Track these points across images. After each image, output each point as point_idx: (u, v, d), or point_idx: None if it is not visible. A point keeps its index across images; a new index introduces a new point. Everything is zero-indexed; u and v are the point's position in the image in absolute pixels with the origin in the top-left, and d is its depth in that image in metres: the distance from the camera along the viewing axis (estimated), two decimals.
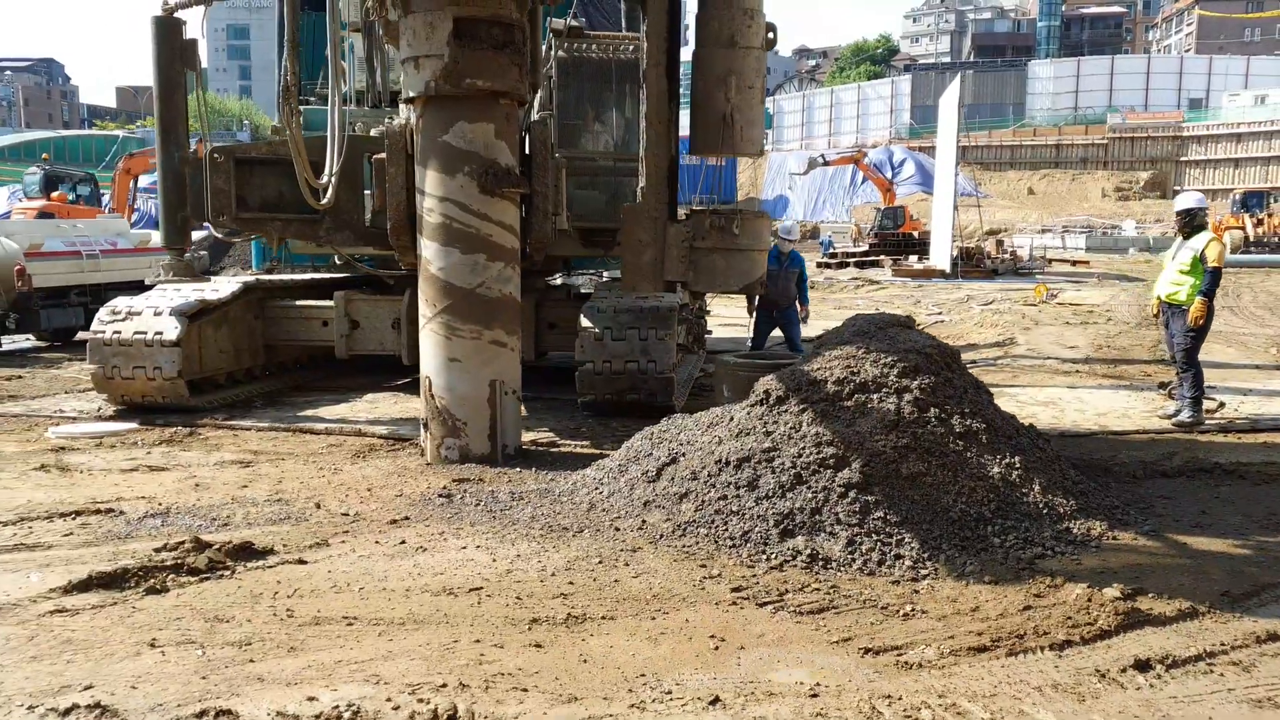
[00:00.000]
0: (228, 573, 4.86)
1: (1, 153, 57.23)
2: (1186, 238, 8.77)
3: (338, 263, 13.09)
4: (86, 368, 9.23)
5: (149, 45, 9.08)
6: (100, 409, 9.48)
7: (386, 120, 8.93)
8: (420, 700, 3.58)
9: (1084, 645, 4.19)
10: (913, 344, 6.15)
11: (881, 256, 38.46)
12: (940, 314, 21.38)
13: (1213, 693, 3.78)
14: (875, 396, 5.78)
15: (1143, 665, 3.96)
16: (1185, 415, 8.66)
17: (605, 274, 17.16)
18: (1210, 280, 8.51)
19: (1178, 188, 68.24)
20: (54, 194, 25.49)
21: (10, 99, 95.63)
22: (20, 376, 12.30)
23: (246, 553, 5.09)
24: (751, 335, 11.80)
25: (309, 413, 9.44)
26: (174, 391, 9.11)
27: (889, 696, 3.68)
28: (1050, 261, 39.78)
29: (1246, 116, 67.02)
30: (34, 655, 3.92)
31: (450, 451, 7.30)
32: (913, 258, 38.01)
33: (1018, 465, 5.74)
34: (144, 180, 37.77)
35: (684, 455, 6.08)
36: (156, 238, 20.19)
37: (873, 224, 41.03)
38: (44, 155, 34.20)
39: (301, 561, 5.04)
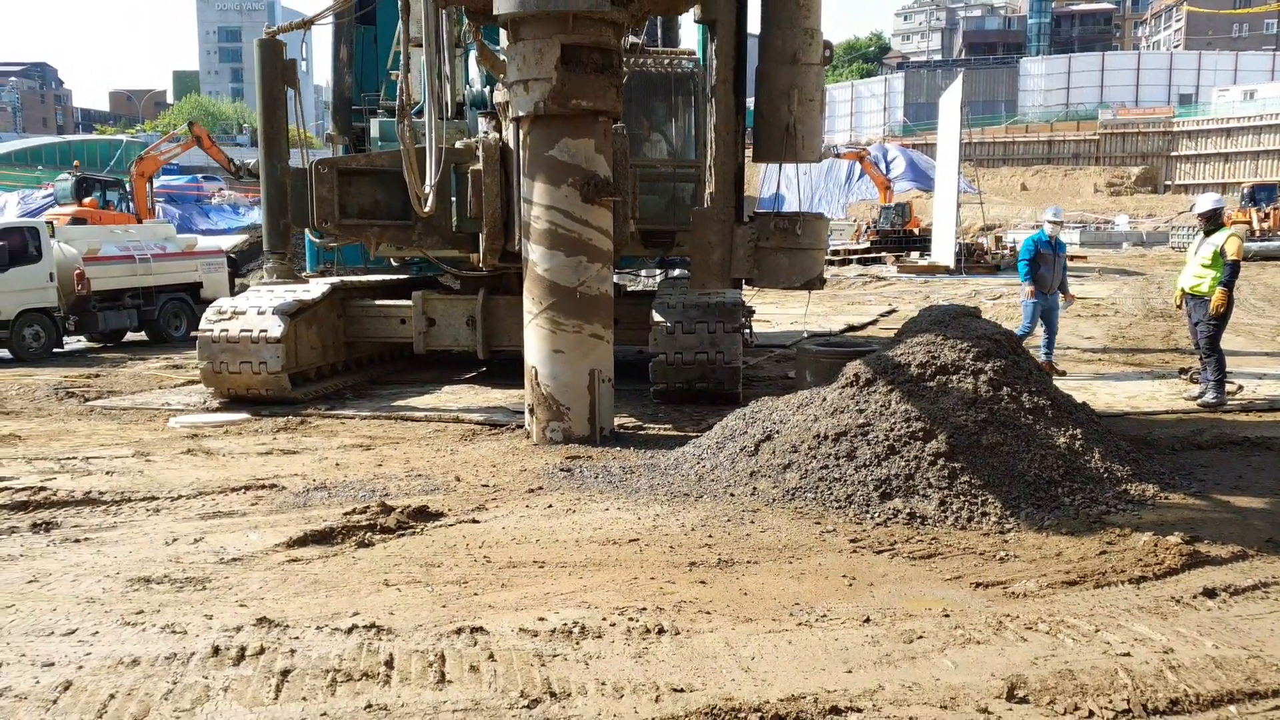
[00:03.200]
0: (416, 530, 5.65)
1: (7, 158, 57.61)
2: (1208, 235, 9.63)
3: (393, 264, 13.88)
4: (195, 364, 9.99)
5: (254, 66, 9.83)
6: (206, 401, 10.25)
7: (482, 134, 9.71)
8: (629, 619, 4.38)
9: (1156, 580, 5.01)
10: (983, 331, 6.98)
11: (884, 253, 39.33)
12: None
13: (1270, 612, 4.60)
14: (954, 377, 6.61)
15: (1210, 593, 4.78)
16: (1210, 397, 9.52)
17: (642, 273, 17.99)
18: (1230, 272, 9.36)
19: (1168, 182, 69.42)
20: (85, 200, 26.16)
21: (15, 104, 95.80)
22: (98, 375, 13.03)
23: (424, 515, 5.88)
24: (1026, 320, 11.84)
25: (400, 403, 10.22)
26: (277, 385, 9.88)
27: (1008, 615, 4.50)
28: None
29: (1236, 111, 68.12)
30: (296, 592, 4.71)
31: (554, 433, 8.09)
32: (914, 254, 38.89)
33: (1079, 436, 6.57)
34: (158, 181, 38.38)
35: (778, 432, 6.89)
36: (202, 242, 20.99)
37: (875, 220, 41.90)
38: (75, 163, 34.74)
39: (474, 521, 5.85)
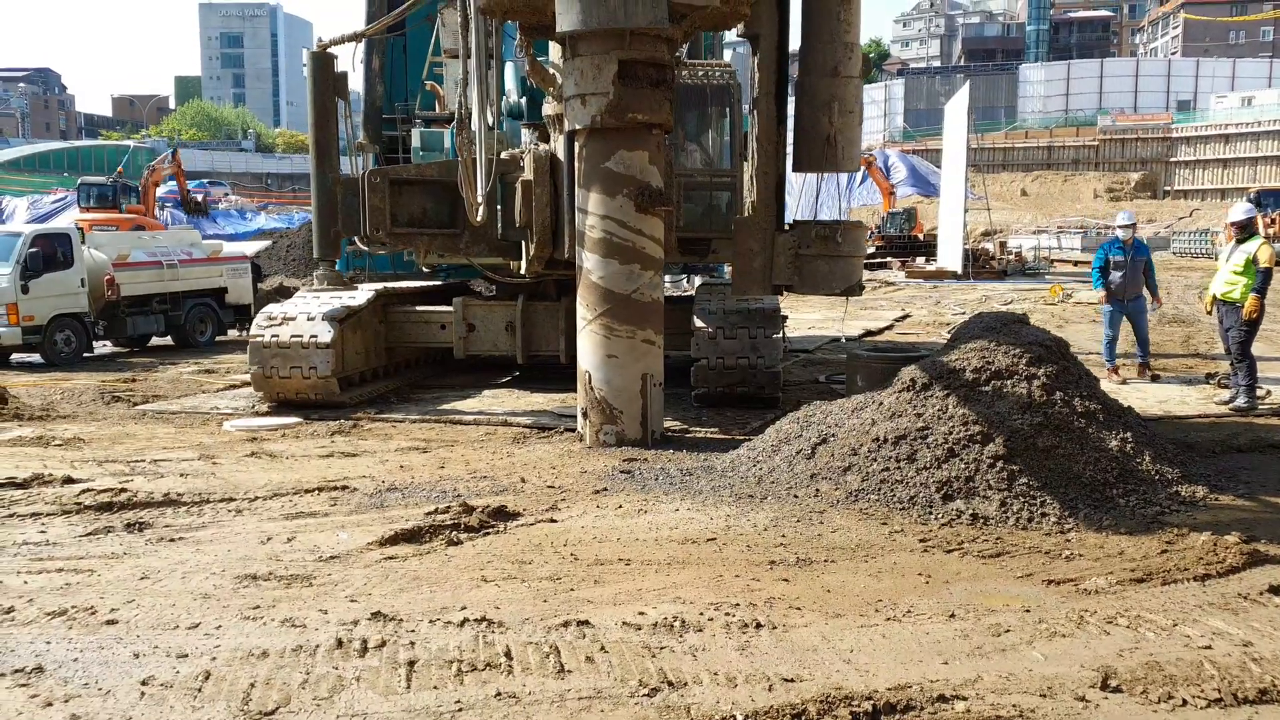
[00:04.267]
0: (499, 529, 5.85)
1: (16, 163, 57.80)
2: (1240, 243, 9.86)
3: (424, 271, 14.07)
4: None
5: (306, 78, 10.03)
6: (255, 406, 10.44)
7: (529, 145, 9.91)
8: (725, 614, 4.58)
9: (1219, 578, 5.21)
10: (1034, 338, 7.20)
11: (889, 259, 39.58)
12: (965, 314, 22.45)
13: None
14: (1009, 382, 6.82)
15: (1276, 590, 4.98)
16: (1241, 401, 9.74)
17: (667, 279, 18.17)
18: (1262, 279, 9.60)
19: (1168, 188, 69.82)
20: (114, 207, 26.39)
21: (24, 110, 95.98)
22: (134, 380, 13.21)
23: (503, 514, 6.08)
24: (1106, 327, 12.10)
25: (446, 407, 10.42)
26: (326, 389, 10.08)
27: (1086, 610, 4.70)
28: (1053, 262, 41.05)
29: (1234, 118, 68.56)
30: (400, 588, 4.90)
31: (608, 436, 8.29)
32: (920, 259, 39.15)
33: (1130, 440, 6.78)
34: (159, 190, 38.65)
35: (834, 435, 7.10)
36: (228, 248, 21.19)
37: (880, 226, 42.17)
38: (118, 169, 35.01)
39: (552, 520, 6.04)
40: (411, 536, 5.66)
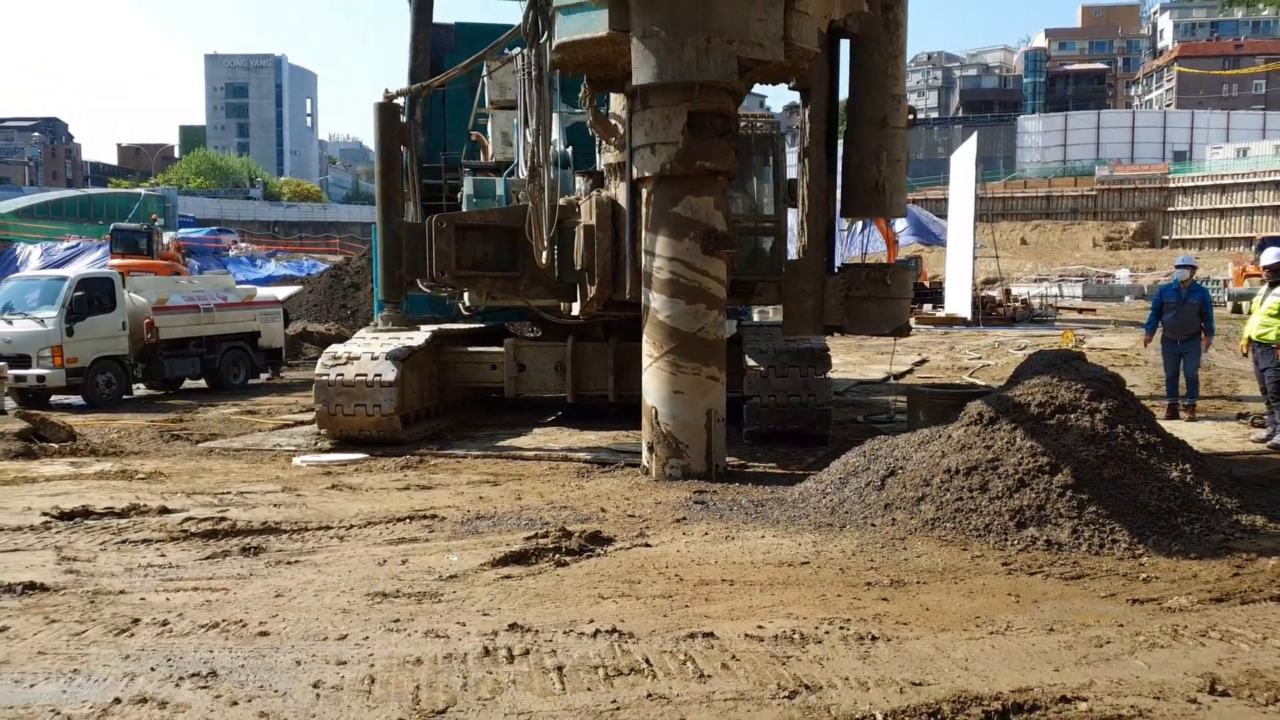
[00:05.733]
0: (599, 553, 6.14)
1: (29, 211, 58.38)
2: (1273, 286, 10.26)
3: (464, 312, 14.42)
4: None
5: (372, 128, 10.46)
6: (317, 443, 10.73)
7: (586, 192, 10.32)
8: (840, 628, 4.86)
9: None
10: (1093, 374, 7.54)
11: None
12: (982, 359, 22.83)
13: None
14: (1072, 416, 7.14)
15: None
16: (1279, 438, 10.06)
17: None
18: None
19: (1165, 237, 70.74)
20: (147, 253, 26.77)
21: (37, 159, 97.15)
22: (181, 420, 13.48)
23: (599, 539, 6.37)
24: (1164, 364, 12.52)
25: (503, 444, 10.72)
26: (389, 426, 10.38)
27: (1177, 625, 4.98)
28: (1059, 310, 41.55)
29: (1229, 169, 69.74)
30: (525, 603, 5.18)
31: (674, 470, 8.59)
32: (927, 306, 39.62)
33: (1189, 471, 7.09)
34: (166, 236, 39.09)
35: (902, 468, 7.40)
36: (261, 292, 21.56)
37: None
38: (154, 216, 35.48)
39: (647, 545, 6.33)
40: (520, 558, 5.94)
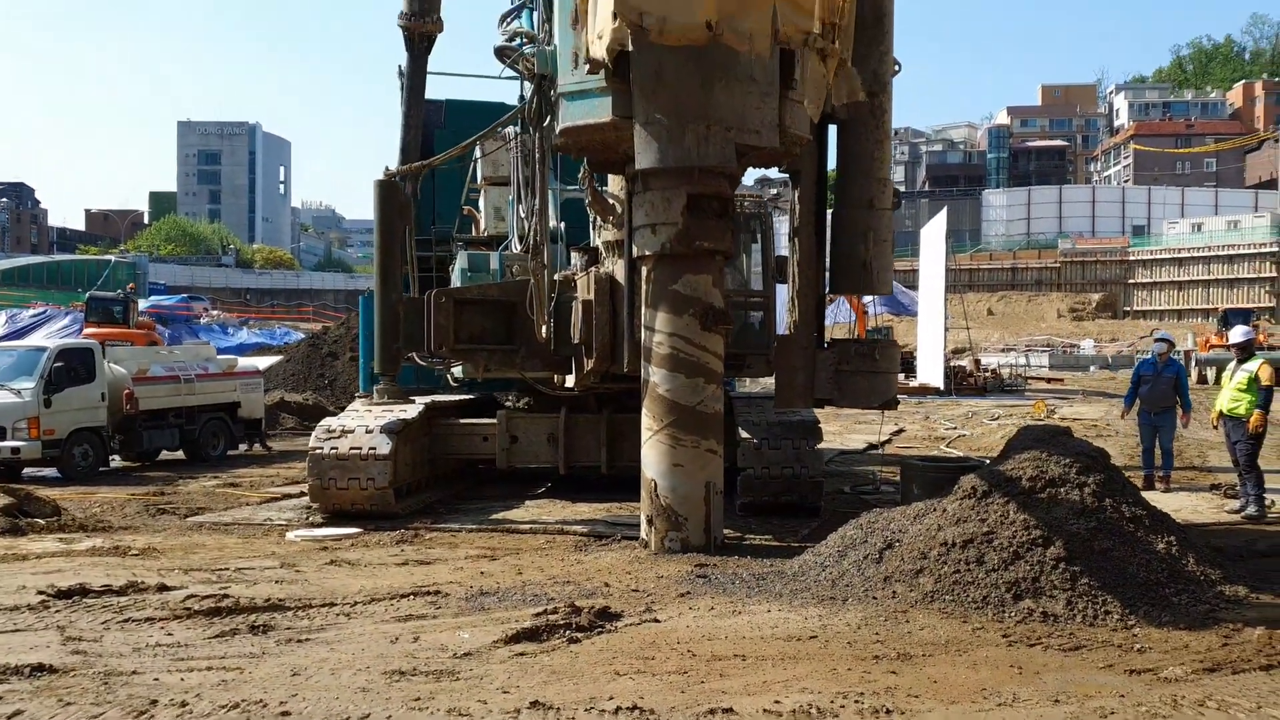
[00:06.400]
0: (610, 629, 6.22)
1: None
2: (1241, 362, 10.64)
3: (453, 384, 14.53)
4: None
5: (372, 204, 10.67)
6: (309, 517, 10.73)
7: (580, 268, 10.55)
8: (855, 702, 4.97)
9: None
10: (1080, 448, 7.79)
11: None
12: (957, 429, 23.17)
13: None
14: (1062, 490, 7.37)
15: None
16: (1252, 509, 10.36)
17: None
18: (1265, 396, 10.35)
19: (1127, 308, 72.35)
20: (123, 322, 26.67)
21: (3, 224, 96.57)
22: (162, 493, 13.37)
23: (608, 615, 6.45)
24: (1139, 436, 12.91)
25: (497, 516, 10.78)
26: (383, 500, 10.42)
27: (1176, 695, 5.14)
28: (1028, 380, 42.24)
29: (1186, 243, 71.76)
30: (543, 680, 5.25)
31: (673, 543, 8.69)
32: (900, 376, 40.07)
33: (1174, 543, 7.31)
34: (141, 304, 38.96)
35: (899, 541, 7.57)
36: (242, 362, 21.52)
37: None
38: (130, 285, 35.38)
39: (656, 620, 6.42)
40: (531, 635, 6.01)
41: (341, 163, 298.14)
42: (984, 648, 5.98)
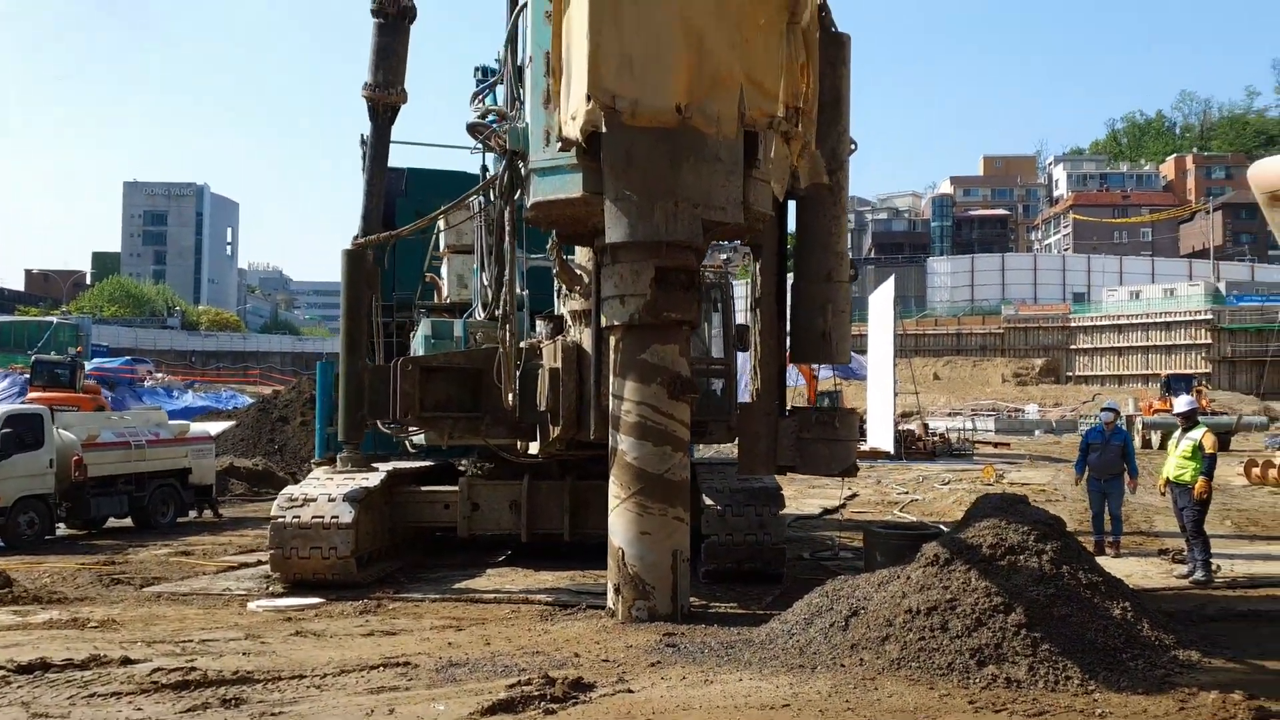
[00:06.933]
0: (584, 699, 6.25)
1: None
2: (1185, 431, 11.05)
3: (411, 450, 14.51)
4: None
5: (340, 273, 10.75)
6: (269, 587, 10.61)
7: (545, 336, 10.70)
8: None
9: None
10: (1037, 516, 8.04)
11: None
12: (909, 493, 23.51)
13: None
14: (1021, 557, 7.59)
15: None
16: (1200, 575, 10.68)
17: None
18: (1209, 463, 10.74)
19: (1069, 374, 74.01)
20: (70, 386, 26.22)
21: None
22: (113, 562, 13.11)
23: (581, 686, 6.48)
24: (1089, 502, 13.25)
25: (460, 586, 10.75)
26: (345, 569, 10.35)
27: None
28: (975, 444, 42.94)
29: (1125, 310, 73.88)
30: None
31: (640, 612, 8.74)
32: None
33: (1129, 609, 7.54)
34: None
35: (864, 608, 7.71)
36: (194, 428, 21.22)
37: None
38: (78, 348, 34.70)
39: (630, 691, 6.46)
40: (507, 706, 6.02)
41: (290, 223, 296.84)
42: (951, 714, 6.11)
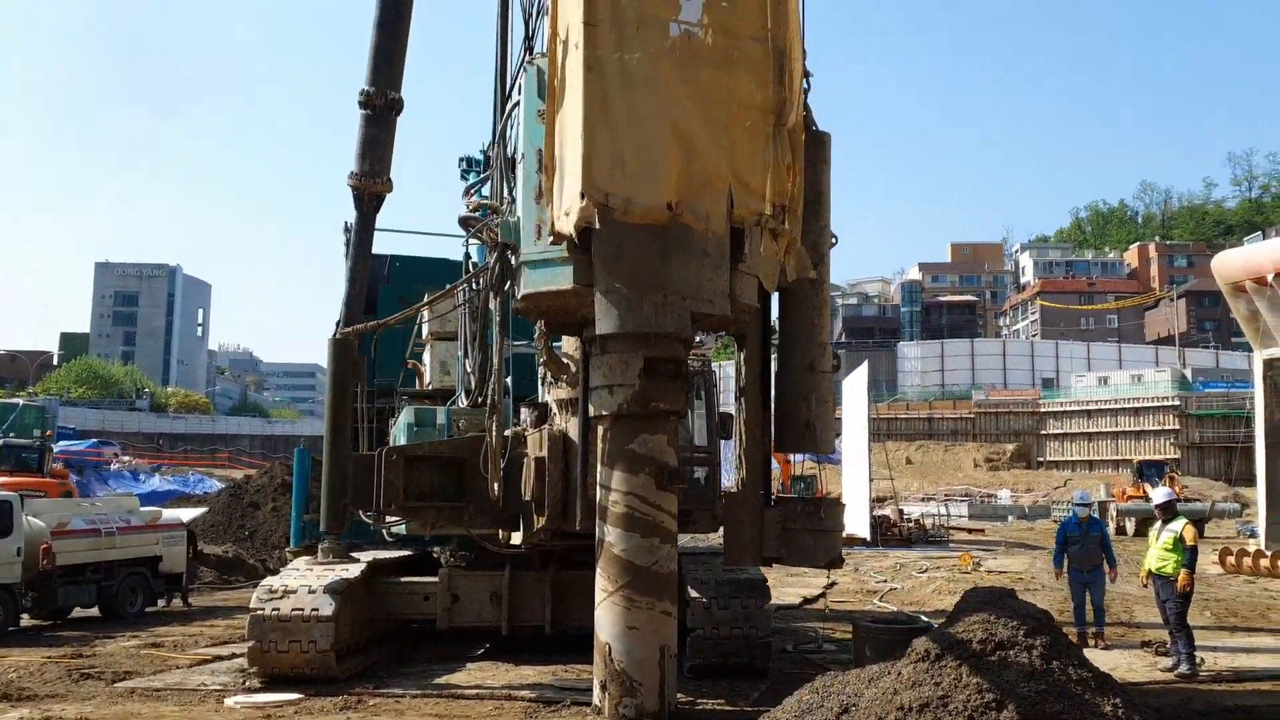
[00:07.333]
0: None
1: None
2: (1165, 522, 11.16)
3: (388, 539, 14.32)
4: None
5: (326, 361, 10.76)
6: (246, 682, 10.35)
7: (529, 424, 10.70)
8: None
9: None
10: (1026, 610, 8.03)
11: None
12: (887, 581, 23.39)
13: None
14: (1011, 652, 7.56)
15: None
16: (1185, 668, 10.69)
17: None
18: (1190, 556, 10.82)
19: (1040, 459, 74.51)
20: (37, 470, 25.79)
21: None
22: (79, 655, 12.75)
23: None
24: (1070, 594, 13.26)
25: (440, 681, 10.52)
26: (324, 663, 10.13)
27: None
28: (950, 530, 42.93)
29: (1093, 396, 74.81)
30: None
31: (627, 709, 8.60)
32: None
33: (1120, 705, 7.50)
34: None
35: (855, 705, 7.62)
36: (166, 514, 20.87)
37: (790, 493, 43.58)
38: (47, 431, 34.19)
39: None
40: None
41: (262, 304, 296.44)
42: None
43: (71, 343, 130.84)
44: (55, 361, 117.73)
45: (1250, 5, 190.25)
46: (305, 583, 10.47)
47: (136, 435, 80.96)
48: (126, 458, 63.34)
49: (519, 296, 9.16)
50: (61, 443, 56.56)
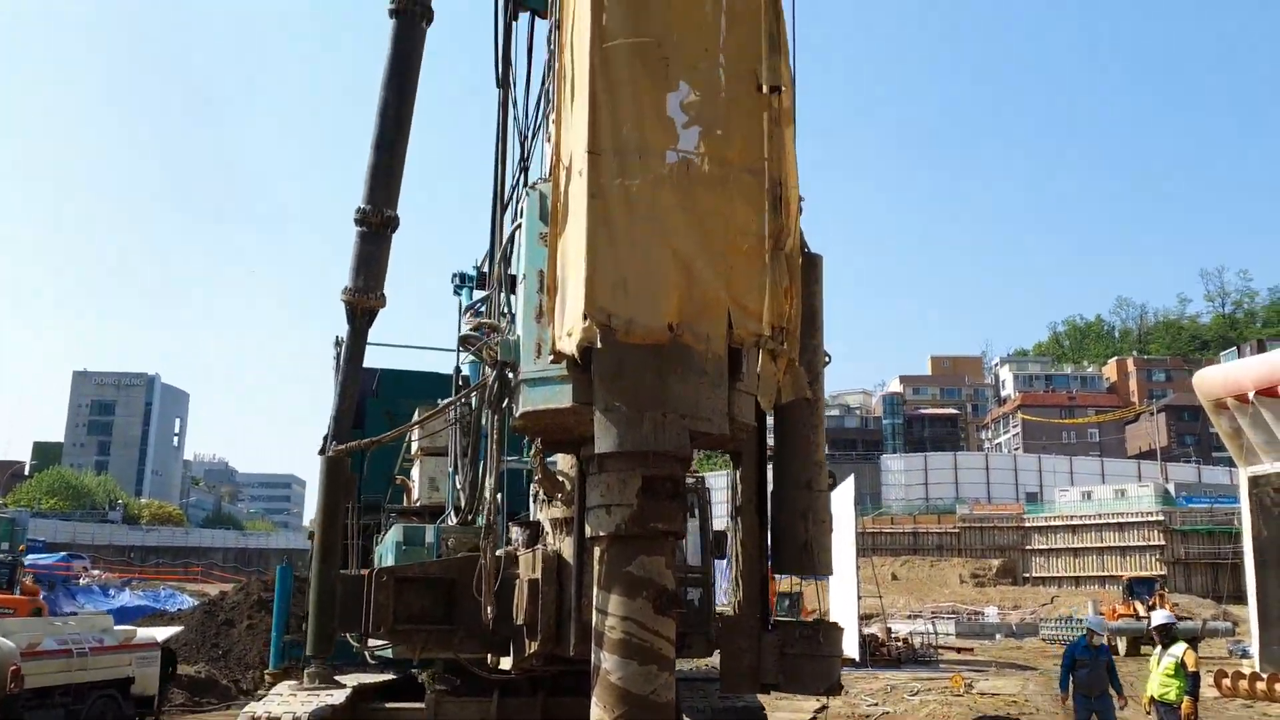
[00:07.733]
0: None
1: None
2: (1165, 647, 11.00)
3: (370, 662, 13.91)
4: None
5: (318, 479, 10.62)
6: None
7: (520, 544, 10.53)
8: None
9: None
10: None
11: None
12: (879, 705, 22.87)
13: None
14: None
15: None
16: None
17: None
18: (1193, 683, 10.65)
19: (1026, 575, 73.81)
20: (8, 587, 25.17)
21: None
22: None
23: None
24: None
25: None
26: None
27: None
28: (939, 649, 42.18)
29: (1078, 510, 74.65)
30: None
31: None
32: None
33: None
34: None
35: None
36: (141, 634, 20.30)
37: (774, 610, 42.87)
38: (20, 547, 33.38)
39: None
40: None
41: (238, 414, 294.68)
42: None
43: (45, 452, 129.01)
44: (27, 471, 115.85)
45: (1219, 128, 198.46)
46: (290, 709, 10.11)
47: (108, 548, 79.28)
48: (96, 571, 61.91)
49: (518, 414, 9.10)
50: (30, 556, 55.24)
